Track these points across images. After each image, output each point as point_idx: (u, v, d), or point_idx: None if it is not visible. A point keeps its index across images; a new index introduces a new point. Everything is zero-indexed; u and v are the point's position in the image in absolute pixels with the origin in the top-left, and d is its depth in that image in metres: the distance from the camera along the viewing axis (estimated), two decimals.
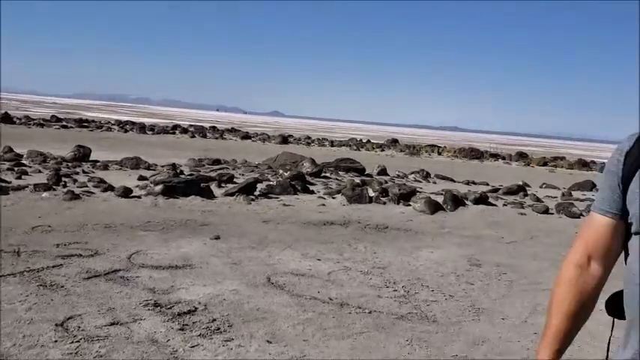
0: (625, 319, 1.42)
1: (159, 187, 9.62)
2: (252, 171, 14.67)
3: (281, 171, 14.27)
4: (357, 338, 4.18)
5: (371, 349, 4.01)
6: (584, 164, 32.02)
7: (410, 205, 10.45)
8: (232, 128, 46.32)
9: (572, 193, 15.58)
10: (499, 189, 14.32)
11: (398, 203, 10.66)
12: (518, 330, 4.63)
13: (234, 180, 12.04)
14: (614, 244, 1.44)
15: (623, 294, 1.43)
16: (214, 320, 4.29)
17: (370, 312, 4.76)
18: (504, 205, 11.63)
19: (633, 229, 1.37)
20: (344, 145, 35.49)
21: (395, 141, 42.87)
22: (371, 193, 11.10)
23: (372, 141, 41.92)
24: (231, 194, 10.10)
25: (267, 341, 3.99)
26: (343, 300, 5.01)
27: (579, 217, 10.74)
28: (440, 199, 10.75)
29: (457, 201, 10.73)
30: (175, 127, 39.08)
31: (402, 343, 4.15)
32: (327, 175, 15.14)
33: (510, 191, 13.86)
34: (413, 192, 11.26)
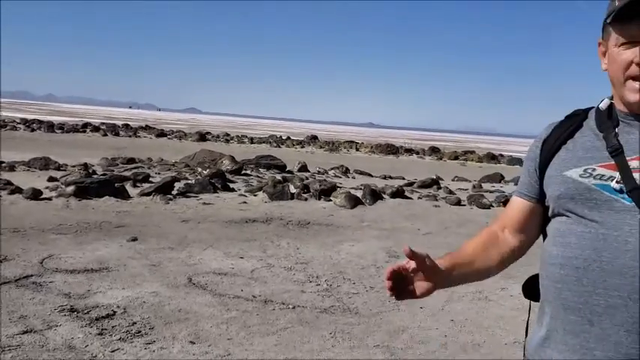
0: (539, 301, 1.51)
1: (70, 188, 9.20)
2: (169, 169, 14.33)
3: (199, 169, 14.03)
4: (282, 334, 4.21)
5: (295, 344, 4.05)
6: (492, 157, 33.61)
7: (331, 200, 10.60)
8: (146, 126, 44.99)
9: (482, 185, 16.36)
10: (414, 182, 14.78)
11: (319, 199, 10.78)
12: (436, 317, 4.83)
13: (150, 179, 11.73)
14: (530, 224, 1.53)
15: (538, 277, 1.52)
16: (134, 323, 4.18)
17: (294, 307, 4.81)
18: (419, 198, 12.03)
19: (549, 212, 1.46)
20: (264, 142, 35.36)
21: (314, 137, 43.27)
22: (292, 190, 11.15)
23: (292, 138, 42.03)
24: (148, 194, 9.83)
25: (191, 342, 3.94)
26: (267, 297, 5.02)
27: (489, 208, 11.30)
28: (359, 194, 10.97)
29: (375, 195, 10.99)
30: (86, 125, 37.44)
31: (326, 336, 4.23)
32: (248, 172, 15.05)
33: (425, 184, 14.35)
34: (333, 187, 11.43)
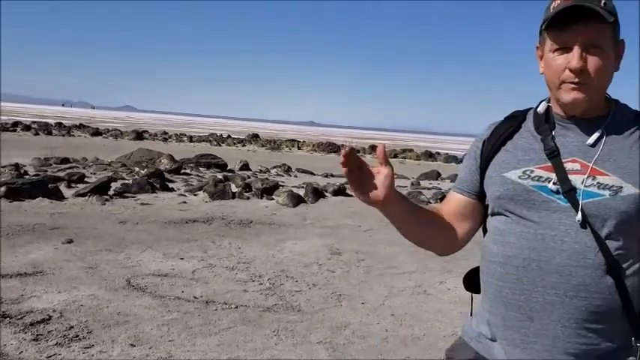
0: (480, 293, 1.58)
1: (1, 190, 8.80)
2: (105, 169, 13.91)
3: (137, 169, 13.69)
4: (224, 334, 4.19)
5: (238, 343, 4.04)
6: (429, 155, 34.45)
7: (273, 199, 10.59)
8: (81, 124, 43.44)
9: (420, 182, 16.74)
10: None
11: (261, 197, 10.76)
12: (377, 312, 4.93)
13: (86, 179, 11.36)
14: (468, 218, 1.59)
15: (478, 270, 1.59)
16: (72, 328, 4.06)
17: (237, 307, 4.79)
18: None
19: (489, 210, 1.53)
20: (204, 141, 34.84)
21: (256, 136, 43.00)
22: (234, 189, 11.07)
23: (232, 136, 41.62)
24: (83, 195, 9.53)
25: (131, 345, 3.86)
26: (209, 297, 4.98)
27: (427, 204, 11.59)
28: (301, 192, 11.02)
29: (317, 193, 11.07)
30: (16, 123, 35.72)
31: (269, 335, 4.24)
32: (187, 171, 14.81)
33: None
34: (275, 186, 11.42)
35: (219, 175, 13.38)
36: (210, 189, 10.64)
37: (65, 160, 15.13)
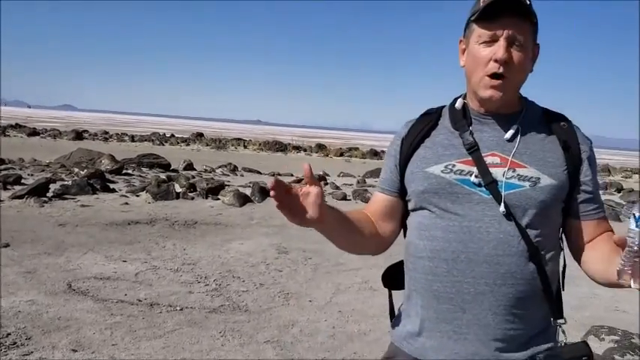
0: (402, 289, 1.61)
1: None
2: (43, 170, 13.41)
3: (77, 169, 13.27)
4: (170, 336, 4.13)
5: (184, 345, 4.00)
6: (375, 153, 34.90)
7: (219, 198, 10.49)
8: (17, 124, 41.71)
9: (366, 180, 16.95)
10: (302, 179, 14.98)
11: (206, 197, 10.63)
12: (324, 310, 4.97)
13: (23, 181, 10.92)
14: (393, 217, 1.61)
15: (397, 267, 1.63)
16: (9, 335, 3.90)
17: (182, 309, 4.73)
18: None
19: (410, 206, 1.56)
20: (146, 140, 34.11)
21: (200, 135, 42.41)
22: (178, 189, 10.90)
23: (176, 135, 40.92)
24: (20, 197, 9.16)
25: (73, 350, 3.75)
26: (153, 300, 4.90)
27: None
28: (248, 192, 10.96)
29: (264, 192, 11.03)
30: None
31: (216, 336, 4.21)
32: (129, 172, 14.47)
33: None
34: (221, 186, 11.32)
35: (163, 176, 13.14)
36: (153, 189, 10.43)
37: (0, 161, 14.50)
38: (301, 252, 7.01)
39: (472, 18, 1.46)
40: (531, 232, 1.41)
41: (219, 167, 17.38)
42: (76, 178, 11.71)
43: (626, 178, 30.57)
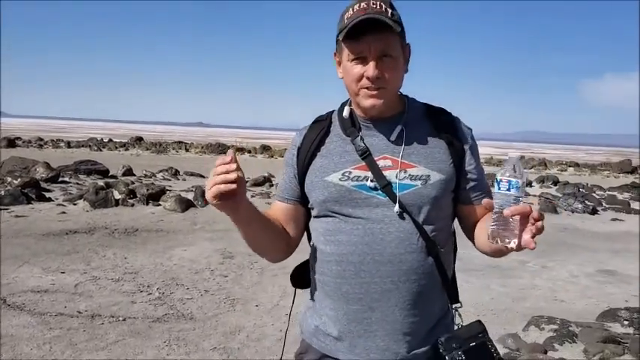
0: (308, 288, 1.66)
1: None
2: None
3: (9, 178, 12.67)
4: (112, 348, 4.03)
5: (128, 356, 3.91)
6: None
7: (160, 204, 10.28)
8: None
9: None
10: (247, 181, 14.89)
11: (147, 204, 10.40)
12: (271, 314, 4.95)
13: None
14: (294, 224, 1.65)
15: (303, 267, 1.68)
16: None
17: (124, 319, 4.61)
18: (252, 196, 12.16)
19: (314, 213, 1.61)
20: (83, 146, 32.99)
21: (140, 139, 41.40)
22: (117, 196, 10.61)
23: (114, 140, 39.80)
24: None
25: None
26: (94, 311, 4.75)
27: None
28: (190, 196, 10.79)
29: None
30: None
31: (160, 345, 4.13)
32: (66, 179, 13.97)
33: (257, 183, 14.55)
34: (162, 191, 11.09)
35: (101, 182, 12.74)
36: (91, 197, 10.11)
37: None
38: (247, 256, 6.96)
39: (339, 37, 1.51)
40: (428, 228, 1.51)
41: (160, 172, 17.03)
42: (9, 187, 11.20)
43: (562, 171, 31.89)
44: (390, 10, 1.47)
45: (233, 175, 1.33)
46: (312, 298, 1.63)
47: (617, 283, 6.70)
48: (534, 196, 15.39)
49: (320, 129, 1.63)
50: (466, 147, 1.58)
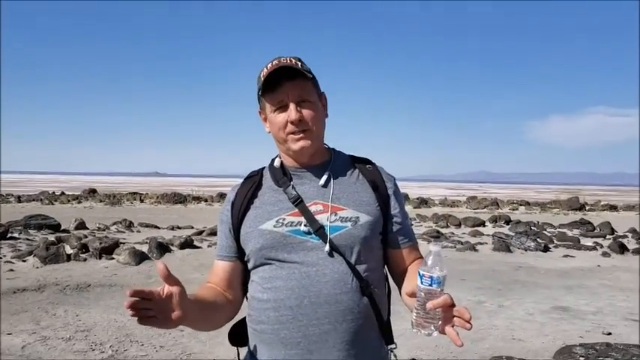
0: (246, 346, 1.66)
1: None
2: None
3: None
4: None
5: None
6: None
7: (113, 258, 10.02)
8: None
9: None
10: (203, 231, 14.71)
11: (100, 258, 10.11)
12: None
13: None
14: (237, 282, 1.68)
15: (241, 324, 1.67)
16: None
17: None
18: (209, 246, 12.00)
19: (250, 265, 1.64)
20: (34, 200, 32.07)
21: (93, 191, 40.49)
22: (69, 251, 10.29)
23: (66, 193, 38.82)
24: None
25: None
26: None
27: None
28: (145, 248, 10.56)
29: (163, 248, 10.70)
30: None
31: None
32: (15, 235, 13.48)
33: (214, 232, 14.36)
34: (116, 244, 10.82)
35: (52, 237, 12.37)
36: (41, 253, 9.78)
37: None
38: None
39: (260, 93, 1.63)
40: (360, 268, 1.56)
41: (114, 224, 16.65)
42: None
43: (514, 210, 32.70)
44: (299, 63, 1.60)
45: (149, 313, 1.29)
46: (250, 351, 1.64)
47: (571, 320, 6.84)
48: (488, 235, 15.70)
49: (252, 183, 1.69)
50: (390, 192, 1.68)
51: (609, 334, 6.19)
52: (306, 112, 1.59)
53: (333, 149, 1.75)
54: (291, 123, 1.58)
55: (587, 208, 33.18)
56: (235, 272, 1.67)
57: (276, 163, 1.70)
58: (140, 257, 9.90)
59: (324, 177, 1.64)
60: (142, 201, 34.20)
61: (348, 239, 1.55)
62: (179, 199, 34.35)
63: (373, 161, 1.75)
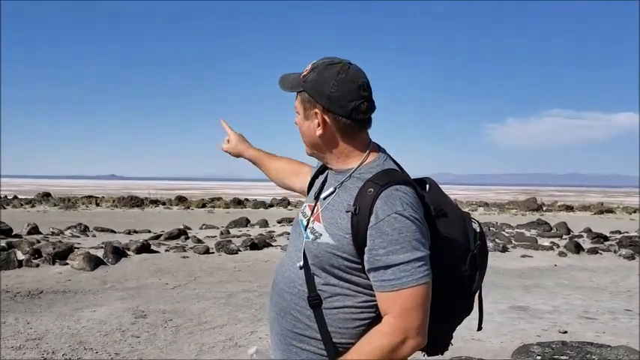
0: None
1: None
2: None
3: None
4: None
5: None
6: (239, 202, 34.65)
7: (68, 263, 9.70)
8: None
9: (230, 230, 16.70)
10: (161, 235, 14.41)
11: (53, 263, 9.77)
12: None
13: None
14: (295, 174, 2.12)
15: None
16: None
17: None
18: (167, 250, 11.74)
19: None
20: None
21: (47, 194, 39.32)
22: (20, 256, 9.90)
23: (19, 197, 37.60)
24: None
25: None
26: None
27: (237, 253, 11.58)
28: (100, 253, 10.27)
29: (119, 252, 10.42)
30: None
31: None
32: None
33: (172, 236, 14.10)
34: (70, 249, 10.47)
35: (3, 242, 11.89)
36: None
37: None
38: (161, 314, 6.65)
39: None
40: (317, 280, 1.56)
41: (68, 228, 16.14)
42: None
43: (473, 211, 33.23)
44: (308, 74, 1.61)
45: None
46: None
47: (529, 319, 6.95)
48: None
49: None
50: (369, 226, 1.47)
51: (565, 332, 6.32)
52: (297, 122, 1.69)
53: (380, 153, 1.65)
54: None
55: (544, 208, 33.98)
56: (299, 174, 2.07)
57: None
58: (95, 262, 9.62)
59: (335, 186, 1.64)
60: (97, 205, 33.36)
61: (307, 250, 1.59)
62: (136, 202, 33.64)
63: (391, 186, 1.50)
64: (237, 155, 2.25)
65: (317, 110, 1.59)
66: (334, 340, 1.53)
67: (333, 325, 1.53)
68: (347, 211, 1.52)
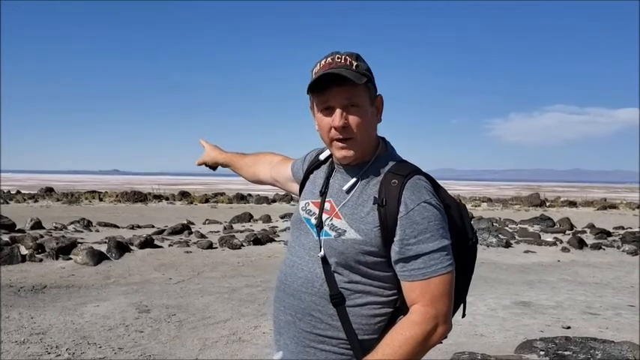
0: None
1: None
2: None
3: None
4: None
5: None
6: (241, 198, 34.67)
7: (71, 258, 9.72)
8: None
9: (233, 225, 16.72)
10: (164, 230, 14.43)
11: (57, 258, 9.79)
12: None
13: None
14: (272, 173, 2.11)
15: None
16: None
17: None
18: (170, 245, 11.76)
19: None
20: None
21: (50, 190, 39.39)
22: (24, 251, 9.93)
23: (22, 192, 37.67)
24: None
25: None
26: None
27: (240, 248, 11.59)
28: (104, 248, 10.28)
29: (122, 247, 10.43)
30: None
31: None
32: None
33: (175, 231, 14.12)
34: (73, 244, 10.49)
35: (6, 237, 11.91)
36: None
37: None
38: (164, 309, 6.66)
39: (307, 91, 1.59)
40: (339, 278, 1.53)
41: (72, 223, 16.17)
42: None
43: (476, 206, 33.18)
44: (355, 63, 1.53)
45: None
46: None
47: (532, 314, 6.95)
48: None
49: (316, 155, 1.82)
50: (399, 216, 1.48)
51: (568, 327, 6.31)
52: (352, 119, 1.53)
53: (386, 146, 1.66)
54: (335, 129, 1.53)
55: (547, 204, 33.91)
56: (279, 173, 2.02)
57: (324, 154, 1.76)
58: (99, 257, 9.63)
59: (351, 182, 1.59)
60: (101, 199, 33.40)
61: (329, 248, 1.54)
62: (139, 197, 33.67)
63: (413, 176, 1.53)
64: (214, 164, 2.28)
65: (380, 96, 1.62)
66: (359, 337, 1.53)
67: (357, 322, 1.52)
68: (374, 204, 1.52)
